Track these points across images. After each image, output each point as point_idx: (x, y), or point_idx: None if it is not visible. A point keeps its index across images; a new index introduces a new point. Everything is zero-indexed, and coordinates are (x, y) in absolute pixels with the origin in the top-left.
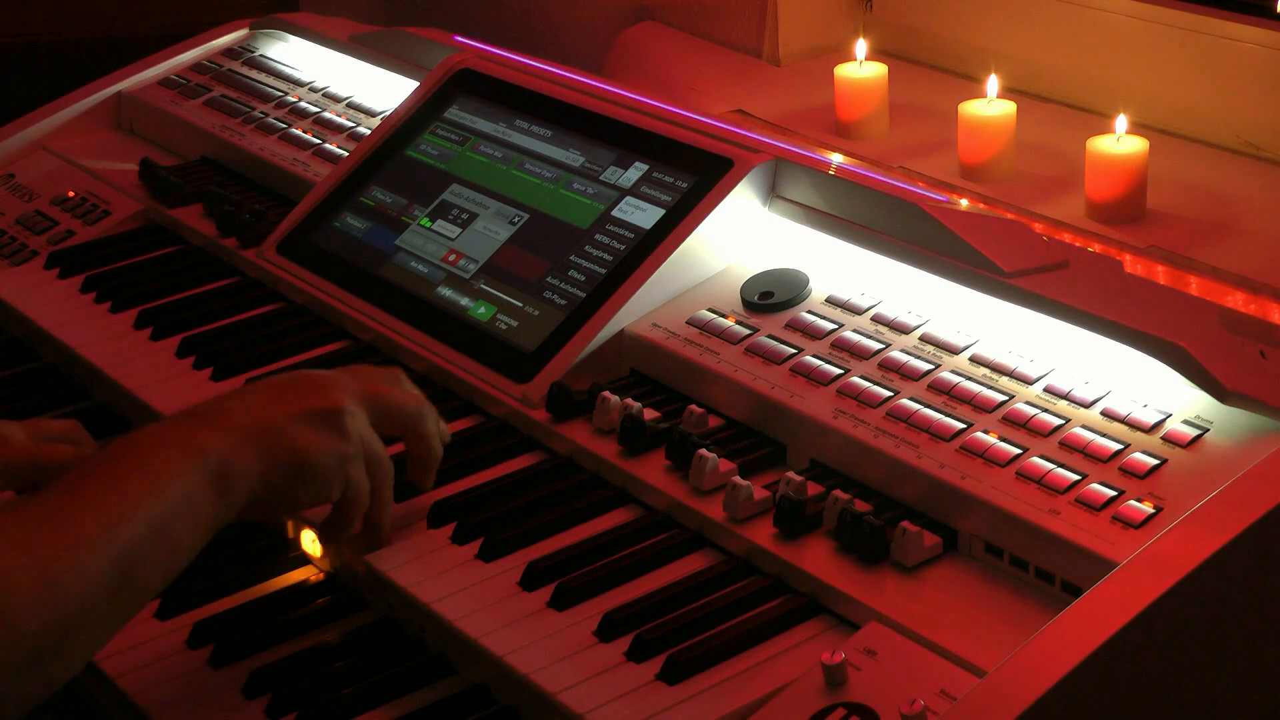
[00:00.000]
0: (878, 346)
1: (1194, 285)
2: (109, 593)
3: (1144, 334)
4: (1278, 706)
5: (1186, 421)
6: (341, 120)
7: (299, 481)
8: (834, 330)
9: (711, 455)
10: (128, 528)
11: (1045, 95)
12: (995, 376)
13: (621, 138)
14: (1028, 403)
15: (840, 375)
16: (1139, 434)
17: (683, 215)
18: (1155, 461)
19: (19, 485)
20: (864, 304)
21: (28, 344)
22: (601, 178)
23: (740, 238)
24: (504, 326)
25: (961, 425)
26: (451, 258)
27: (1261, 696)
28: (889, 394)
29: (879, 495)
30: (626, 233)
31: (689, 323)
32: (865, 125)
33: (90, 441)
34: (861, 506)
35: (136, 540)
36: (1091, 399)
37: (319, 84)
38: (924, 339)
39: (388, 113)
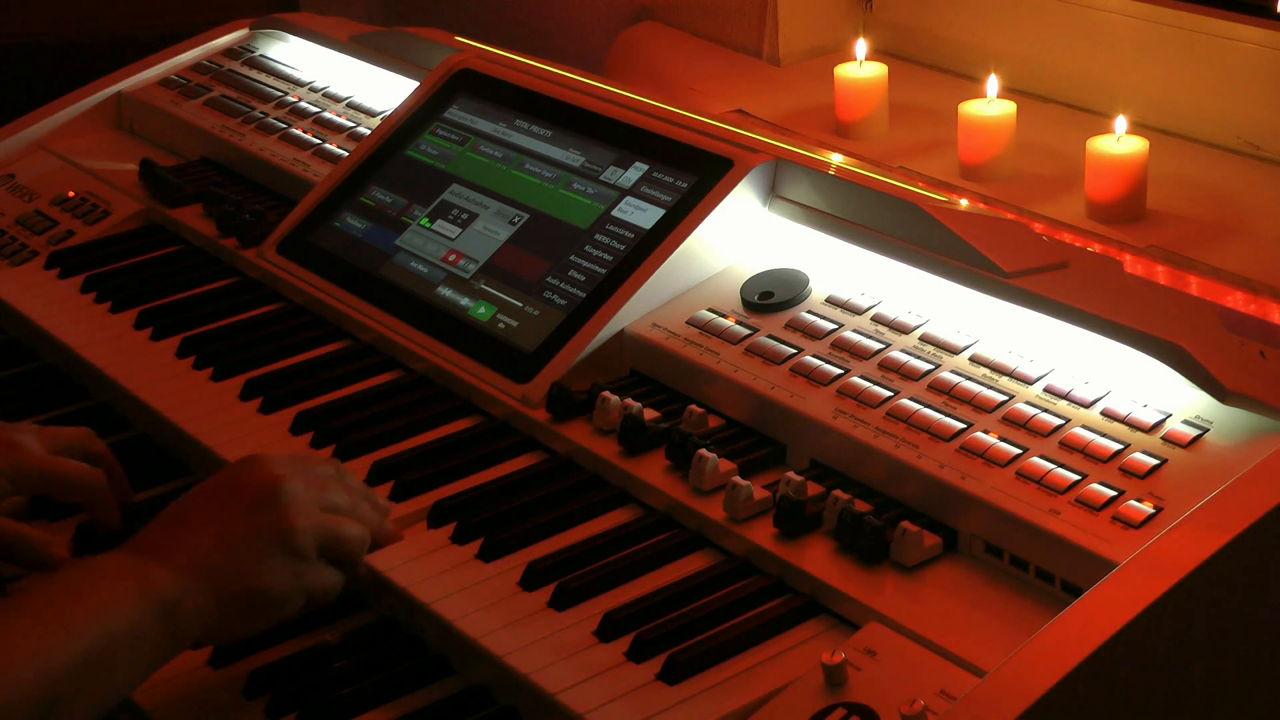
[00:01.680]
0: (878, 346)
1: (1194, 285)
2: None
3: (1144, 334)
4: (1278, 706)
5: (1186, 421)
6: (341, 120)
7: (254, 610)
8: (834, 330)
9: (711, 455)
10: (61, 656)
11: (1045, 95)
12: (995, 376)
13: (621, 138)
14: (1028, 403)
15: (840, 375)
16: (1139, 434)
17: (683, 215)
18: (1155, 461)
19: (30, 492)
20: (864, 304)
21: (28, 344)
22: (601, 178)
23: (740, 238)
24: (504, 326)
25: (961, 425)
26: (451, 258)
27: (1261, 696)
28: (889, 394)
29: (879, 495)
30: (626, 233)
31: (689, 323)
32: (865, 125)
33: (104, 450)
34: (861, 506)
35: (70, 671)
36: (1091, 399)
37: (319, 84)
38: (924, 339)
39: (388, 113)
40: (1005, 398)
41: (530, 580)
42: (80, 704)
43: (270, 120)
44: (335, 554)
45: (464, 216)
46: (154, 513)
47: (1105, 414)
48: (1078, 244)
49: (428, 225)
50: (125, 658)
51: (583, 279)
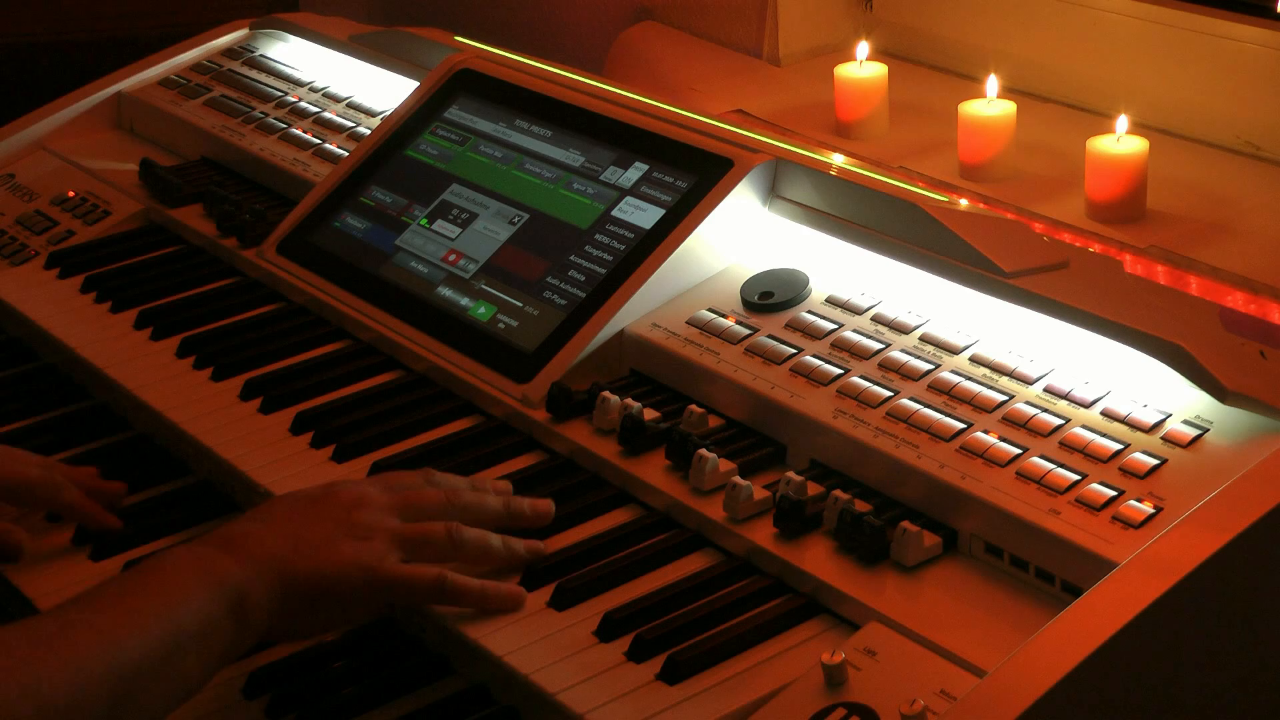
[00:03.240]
0: (878, 346)
1: (1194, 285)
2: (105, 718)
3: (1144, 334)
4: (1278, 706)
5: (1186, 421)
6: (341, 120)
7: (322, 609)
8: (834, 330)
9: (711, 455)
10: (132, 650)
11: (1045, 95)
12: (995, 376)
13: (621, 138)
14: (1028, 403)
15: (840, 375)
16: (1139, 434)
17: (683, 215)
18: (1155, 461)
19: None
20: (864, 304)
21: (28, 344)
22: (601, 178)
23: (740, 238)
24: (504, 326)
25: (961, 425)
26: (451, 258)
27: (1261, 696)
28: (889, 394)
29: (879, 495)
30: (626, 233)
31: (689, 323)
32: (865, 125)
33: (66, 482)
34: (861, 506)
35: (141, 663)
36: (1091, 399)
37: (319, 84)
38: (924, 339)
39: (388, 113)
40: (1005, 398)
41: (530, 580)
42: (151, 696)
43: (270, 120)
44: (419, 556)
45: (464, 216)
46: (153, 511)
47: (1105, 414)
48: (1078, 244)
49: (428, 225)
50: (195, 650)
51: (583, 279)
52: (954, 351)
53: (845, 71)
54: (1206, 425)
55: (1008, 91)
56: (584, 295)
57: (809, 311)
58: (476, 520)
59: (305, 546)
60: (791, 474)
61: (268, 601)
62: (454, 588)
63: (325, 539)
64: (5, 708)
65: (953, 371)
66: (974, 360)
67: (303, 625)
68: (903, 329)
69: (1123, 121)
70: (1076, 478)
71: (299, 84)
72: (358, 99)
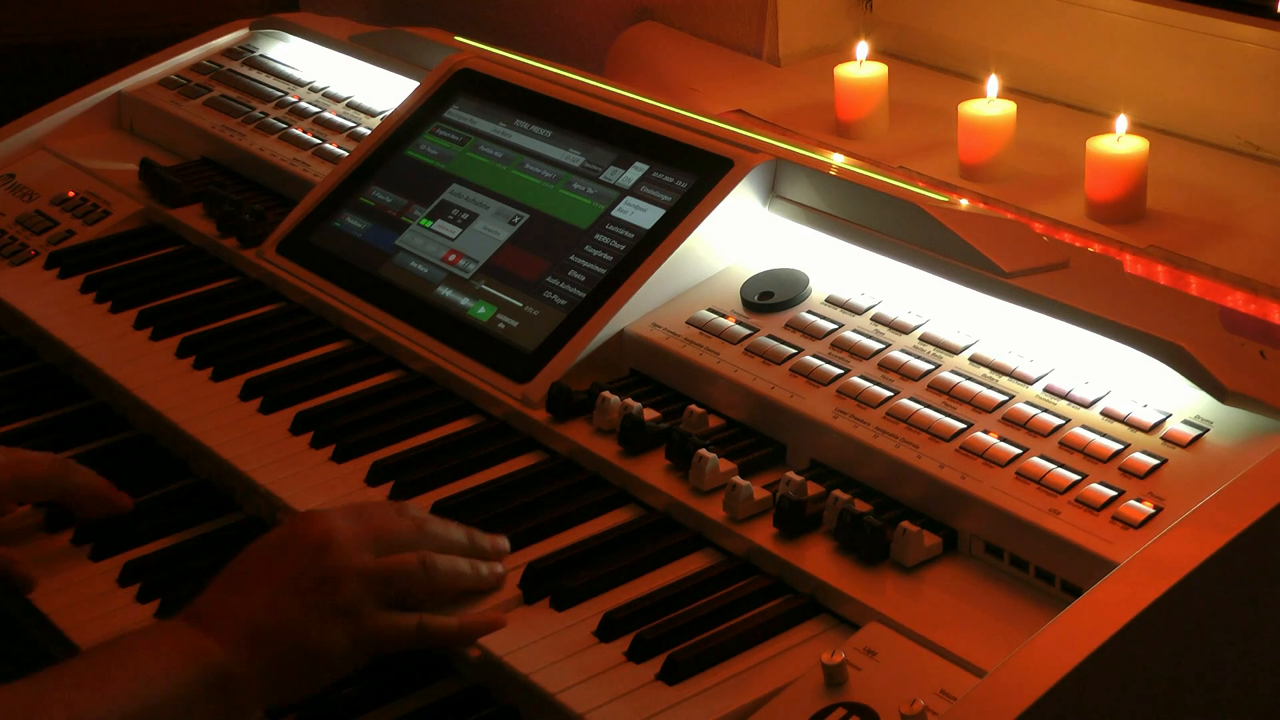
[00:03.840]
0: (878, 346)
1: (1194, 285)
2: None
3: (1144, 334)
4: (1278, 706)
5: (1186, 421)
6: (341, 120)
7: (311, 673)
8: (834, 330)
9: (711, 455)
10: None
11: (1045, 95)
12: (995, 376)
13: (621, 138)
14: (1028, 403)
15: (840, 375)
16: (1139, 434)
17: (683, 215)
18: (1155, 461)
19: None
20: (864, 304)
21: (28, 344)
22: (601, 178)
23: (740, 238)
24: (504, 326)
25: (961, 425)
26: (451, 258)
27: (1262, 696)
28: (889, 394)
29: (879, 495)
30: (626, 233)
31: (689, 323)
32: (865, 125)
33: (80, 481)
34: (861, 506)
35: None
36: (1091, 399)
37: (319, 84)
38: (924, 339)
39: (388, 113)
40: (1005, 398)
41: (530, 581)
42: None
43: (270, 120)
44: (399, 597)
45: (464, 216)
46: (154, 512)
47: (1105, 414)
48: (1078, 244)
49: (428, 225)
50: None
51: (583, 279)
52: (954, 351)
53: (845, 71)
54: (1206, 425)
55: (1008, 91)
56: (584, 295)
57: (809, 311)
58: (444, 549)
59: (283, 610)
60: (791, 474)
61: (255, 679)
62: (434, 631)
63: (301, 598)
64: None
65: (953, 371)
66: (974, 360)
67: (293, 692)
68: (903, 329)
69: (1123, 121)
70: (1076, 478)
71: (299, 84)
72: (358, 99)
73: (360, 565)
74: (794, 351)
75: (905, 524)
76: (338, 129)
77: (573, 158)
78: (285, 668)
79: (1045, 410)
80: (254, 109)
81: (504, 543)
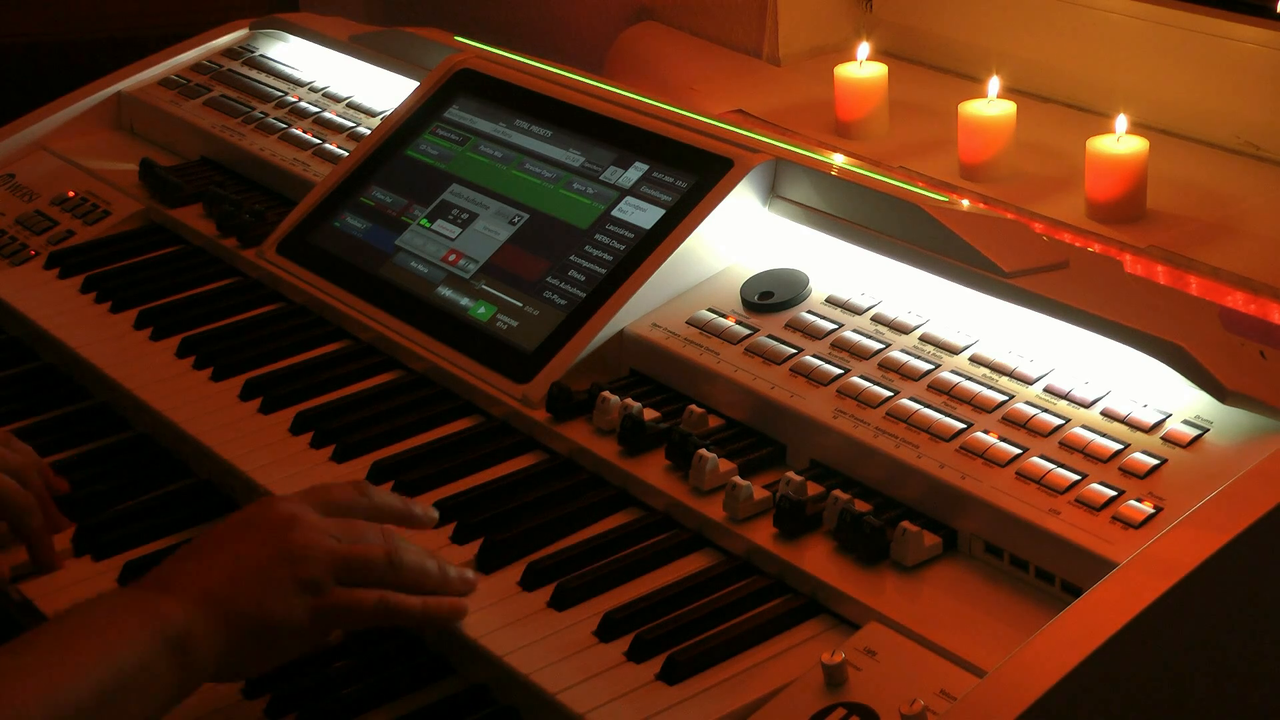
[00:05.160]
0: (878, 346)
1: (1194, 285)
2: None
3: (1144, 334)
4: (1278, 706)
5: (1186, 421)
6: (341, 120)
7: (268, 644)
8: (834, 330)
9: (711, 455)
10: (70, 695)
11: (1045, 95)
12: (995, 376)
13: (621, 138)
14: (1028, 403)
15: (840, 375)
16: (1139, 434)
17: (683, 215)
18: (1155, 461)
19: None
20: (864, 304)
21: (28, 344)
22: (601, 178)
23: (740, 238)
24: (504, 326)
25: (961, 425)
26: (451, 258)
27: (1261, 696)
28: (889, 394)
29: (879, 495)
30: (626, 233)
31: (689, 323)
32: (865, 125)
33: (39, 483)
34: (861, 506)
35: (80, 710)
36: (1091, 399)
37: (319, 84)
38: (924, 339)
39: (388, 113)
40: (1005, 398)
41: (530, 580)
42: None
43: (270, 120)
44: (358, 579)
45: (464, 216)
46: (153, 512)
47: (1105, 414)
48: (1078, 244)
49: (428, 225)
50: (137, 695)
51: (583, 279)
52: (954, 351)
53: (845, 71)
54: (1206, 425)
55: (1008, 91)
56: (584, 295)
57: (809, 311)
58: (411, 553)
59: (244, 578)
60: (791, 474)
61: (213, 641)
62: (396, 609)
63: (262, 569)
64: None
65: (953, 371)
66: (974, 360)
67: (250, 661)
68: (903, 329)
69: (1122, 121)
70: (1076, 478)
71: (299, 84)
72: (358, 99)
73: (325, 547)
74: (794, 351)
75: (905, 524)
76: (338, 129)
77: (573, 158)
78: (242, 632)
79: (1045, 410)
80: (254, 109)
81: (474, 580)
